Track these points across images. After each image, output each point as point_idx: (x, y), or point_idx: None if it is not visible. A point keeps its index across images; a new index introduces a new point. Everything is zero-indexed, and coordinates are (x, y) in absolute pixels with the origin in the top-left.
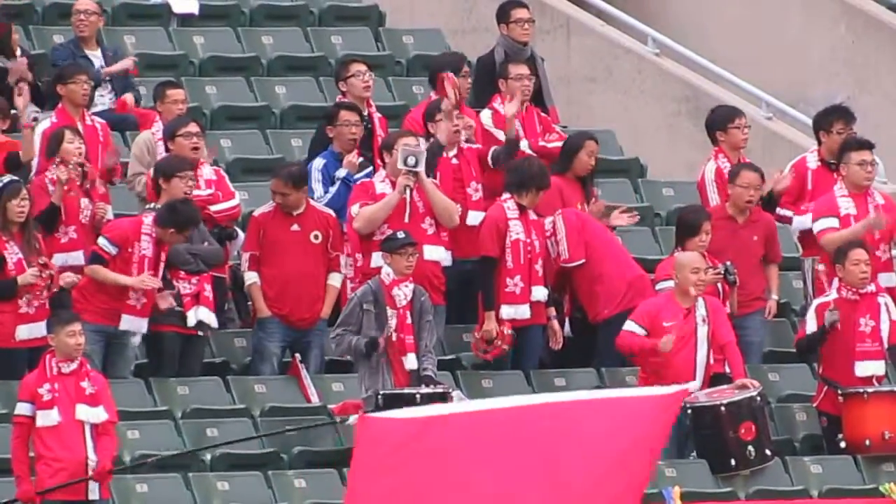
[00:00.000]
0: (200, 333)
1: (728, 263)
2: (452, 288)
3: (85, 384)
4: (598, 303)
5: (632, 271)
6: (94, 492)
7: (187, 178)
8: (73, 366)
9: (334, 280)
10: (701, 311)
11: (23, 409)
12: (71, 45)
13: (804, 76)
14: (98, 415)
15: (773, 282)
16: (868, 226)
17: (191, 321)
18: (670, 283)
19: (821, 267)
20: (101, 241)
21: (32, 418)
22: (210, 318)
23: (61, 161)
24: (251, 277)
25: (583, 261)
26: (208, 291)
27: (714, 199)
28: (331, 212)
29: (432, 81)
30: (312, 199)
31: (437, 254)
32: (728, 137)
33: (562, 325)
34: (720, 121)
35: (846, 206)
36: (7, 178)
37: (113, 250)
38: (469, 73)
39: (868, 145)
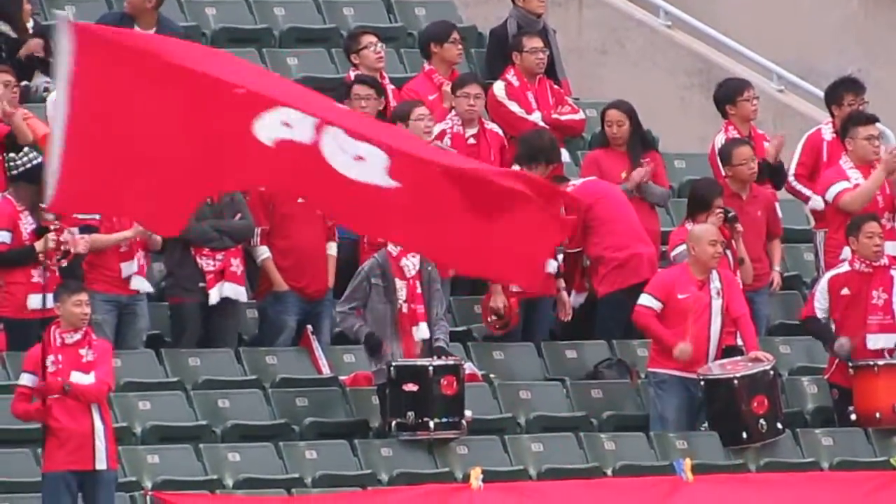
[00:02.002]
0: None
1: (727, 207)
2: None
3: (84, 351)
4: (597, 280)
5: (628, 250)
6: (101, 461)
7: None
8: (77, 336)
9: (332, 249)
10: (715, 283)
11: (24, 379)
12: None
13: (816, 49)
14: (87, 381)
15: (776, 256)
16: (887, 169)
17: (213, 299)
18: (684, 248)
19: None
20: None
21: (33, 389)
22: (237, 293)
23: None
24: (264, 252)
25: (579, 249)
26: (235, 266)
27: (724, 170)
28: None
29: (424, 52)
30: None
31: None
32: (738, 110)
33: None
34: (729, 94)
35: (855, 176)
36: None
37: (97, 214)
38: (459, 40)
39: (873, 119)
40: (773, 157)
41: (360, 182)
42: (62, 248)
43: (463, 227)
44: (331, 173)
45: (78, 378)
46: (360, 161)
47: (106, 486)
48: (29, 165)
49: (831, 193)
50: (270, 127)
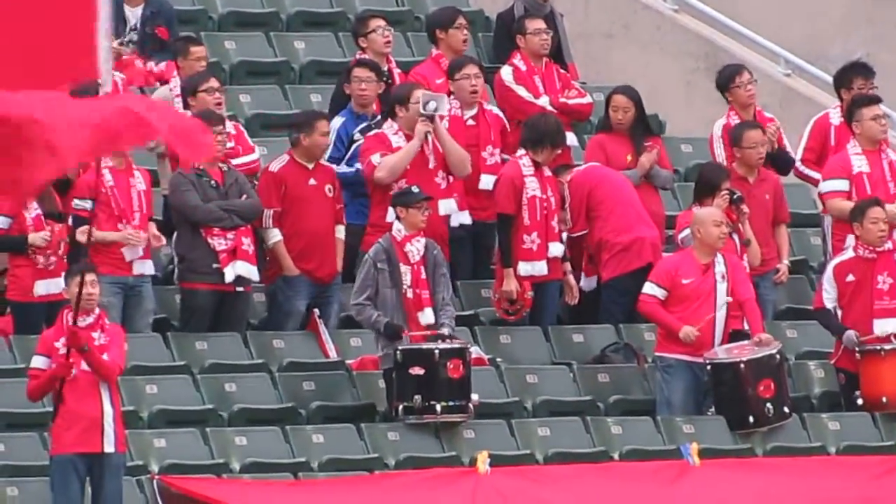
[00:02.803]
0: (239, 289)
1: (732, 189)
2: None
3: (96, 335)
4: (601, 265)
5: (630, 234)
6: (109, 444)
7: (218, 133)
8: (90, 319)
9: (340, 233)
10: (720, 267)
11: (38, 362)
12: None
13: (822, 33)
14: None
15: (784, 246)
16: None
17: (229, 277)
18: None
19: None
20: (75, 202)
21: (45, 371)
22: (250, 272)
23: None
24: (276, 235)
25: (584, 231)
26: (247, 245)
27: (720, 154)
28: (331, 166)
29: (431, 37)
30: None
31: (449, 207)
32: (734, 96)
33: (578, 281)
34: (725, 80)
35: (859, 164)
36: None
37: (89, 205)
38: (465, 25)
39: (877, 100)
40: (644, 169)
41: None
42: (54, 246)
43: None
44: None
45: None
46: None
47: (114, 470)
48: None
49: (825, 187)
50: None
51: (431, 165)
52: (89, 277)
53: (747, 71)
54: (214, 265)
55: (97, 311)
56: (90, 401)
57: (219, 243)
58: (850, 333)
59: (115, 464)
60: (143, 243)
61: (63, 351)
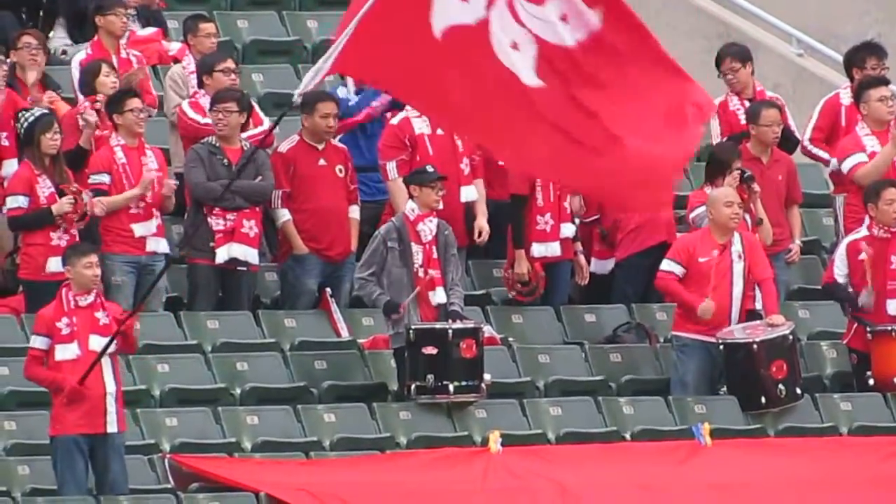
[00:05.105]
0: (242, 268)
1: (743, 168)
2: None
3: (99, 314)
4: (616, 245)
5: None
6: (112, 424)
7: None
8: (90, 298)
9: (354, 213)
10: (737, 246)
11: (38, 342)
12: None
13: (835, 13)
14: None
15: (796, 226)
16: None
17: (219, 258)
18: (703, 210)
19: (863, 255)
20: (91, 177)
21: (46, 352)
22: (247, 255)
23: (91, 102)
24: (284, 215)
25: (597, 216)
26: (247, 227)
27: (714, 128)
28: (343, 146)
29: None
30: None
31: (470, 194)
32: (724, 80)
33: (588, 261)
34: (717, 65)
35: (871, 144)
36: (38, 110)
37: (106, 178)
38: None
39: (885, 81)
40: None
41: (508, 69)
42: (79, 210)
43: (593, 142)
44: (491, 58)
45: (97, 342)
46: (514, 49)
47: (116, 449)
48: (26, 124)
49: (847, 165)
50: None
51: (461, 150)
52: (91, 259)
53: (729, 57)
54: (211, 244)
55: (95, 291)
56: (93, 382)
57: (217, 223)
58: (864, 294)
59: (117, 443)
60: (170, 208)
61: (66, 332)
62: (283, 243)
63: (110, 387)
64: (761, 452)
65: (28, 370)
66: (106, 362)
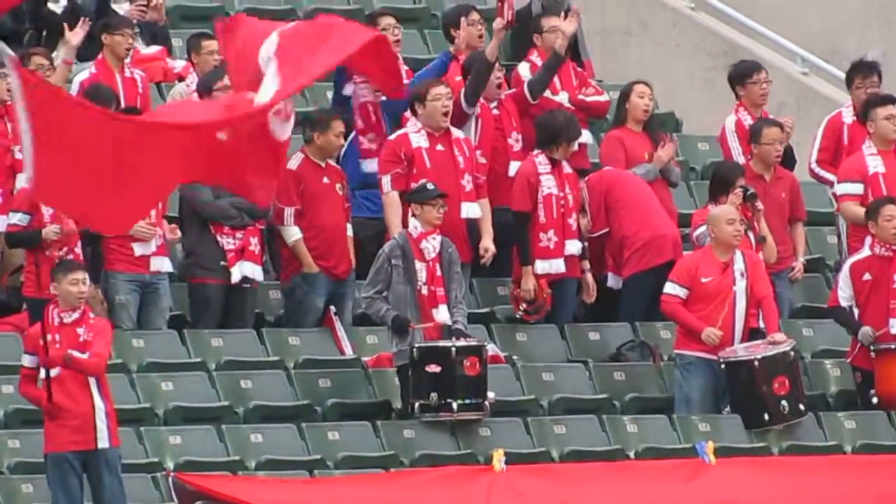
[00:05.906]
0: (247, 286)
1: (746, 185)
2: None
3: (81, 330)
4: (621, 264)
5: (651, 231)
6: (102, 440)
7: None
8: (76, 315)
9: (349, 230)
10: (739, 265)
11: (27, 360)
12: None
13: (839, 31)
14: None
15: (800, 244)
16: None
17: (235, 277)
18: (705, 228)
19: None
20: None
21: (36, 369)
22: (256, 273)
23: None
24: (295, 233)
25: (605, 230)
26: (254, 245)
27: (736, 147)
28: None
29: (447, 35)
30: None
31: (473, 211)
32: (747, 92)
33: (603, 279)
34: (740, 75)
35: (874, 164)
36: None
37: None
38: (479, 20)
39: (891, 99)
40: (662, 162)
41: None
42: (63, 243)
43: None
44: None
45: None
46: None
47: (111, 464)
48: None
49: (840, 190)
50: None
51: (462, 167)
52: (77, 276)
53: (765, 70)
54: (222, 263)
55: (81, 308)
56: (81, 398)
57: (227, 242)
58: (866, 329)
59: (111, 458)
60: (153, 238)
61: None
62: (289, 261)
63: (98, 403)
64: (765, 471)
65: (21, 388)
66: (92, 381)
